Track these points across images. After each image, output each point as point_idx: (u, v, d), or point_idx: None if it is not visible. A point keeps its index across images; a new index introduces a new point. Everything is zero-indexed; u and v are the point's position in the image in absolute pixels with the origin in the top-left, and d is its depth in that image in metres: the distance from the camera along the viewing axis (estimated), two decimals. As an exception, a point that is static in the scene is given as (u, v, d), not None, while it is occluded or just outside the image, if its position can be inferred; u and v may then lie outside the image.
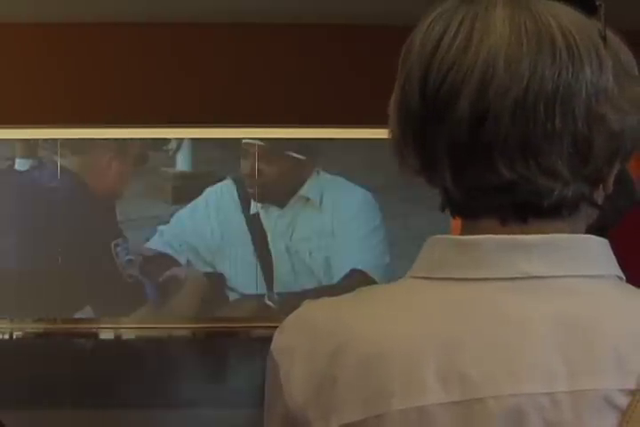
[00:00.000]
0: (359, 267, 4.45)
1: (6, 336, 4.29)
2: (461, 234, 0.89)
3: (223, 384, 4.34)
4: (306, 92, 4.21)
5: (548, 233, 0.86)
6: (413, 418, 0.81)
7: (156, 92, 4.19)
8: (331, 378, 0.84)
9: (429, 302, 0.85)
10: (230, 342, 4.52)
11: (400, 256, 4.29)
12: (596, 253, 0.87)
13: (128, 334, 4.36)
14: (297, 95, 4.21)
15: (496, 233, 0.86)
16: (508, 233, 0.86)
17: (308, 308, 0.91)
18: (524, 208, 0.86)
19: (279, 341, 0.90)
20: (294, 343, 0.88)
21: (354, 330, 0.85)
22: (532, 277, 0.84)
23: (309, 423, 0.85)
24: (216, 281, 4.43)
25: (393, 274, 4.22)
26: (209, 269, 4.44)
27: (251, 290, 4.46)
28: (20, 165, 4.33)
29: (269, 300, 4.45)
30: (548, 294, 0.84)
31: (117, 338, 4.37)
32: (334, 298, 0.91)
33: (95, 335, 4.34)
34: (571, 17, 0.85)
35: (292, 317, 0.91)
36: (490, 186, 0.85)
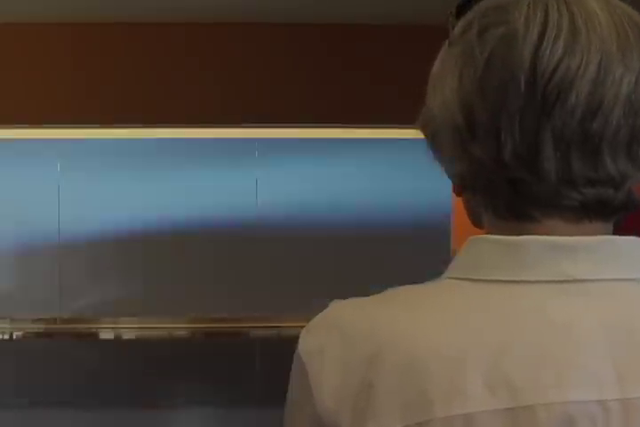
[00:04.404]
0: None
1: (6, 336, 4.29)
2: (506, 233, 0.85)
3: (223, 384, 4.33)
4: (307, 92, 4.20)
5: (592, 235, 0.83)
6: (458, 426, 0.78)
7: (153, 92, 4.18)
8: (367, 384, 0.80)
9: (470, 305, 0.82)
10: (230, 343, 4.51)
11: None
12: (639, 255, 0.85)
13: (128, 334, 4.36)
14: (298, 95, 4.20)
15: (558, 233, 0.83)
16: (569, 233, 0.83)
17: (337, 308, 0.86)
18: (592, 209, 0.83)
19: (307, 342, 0.85)
20: (324, 345, 0.83)
21: (392, 334, 0.81)
22: (577, 281, 0.82)
23: None
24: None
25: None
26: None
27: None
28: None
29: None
30: (593, 298, 0.81)
31: (117, 338, 4.37)
32: (364, 299, 0.87)
33: (95, 335, 4.34)
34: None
35: (319, 317, 0.86)
36: (587, 181, 0.82)
